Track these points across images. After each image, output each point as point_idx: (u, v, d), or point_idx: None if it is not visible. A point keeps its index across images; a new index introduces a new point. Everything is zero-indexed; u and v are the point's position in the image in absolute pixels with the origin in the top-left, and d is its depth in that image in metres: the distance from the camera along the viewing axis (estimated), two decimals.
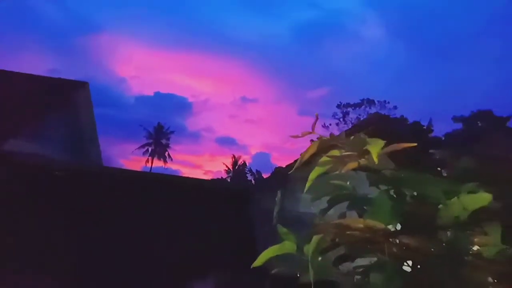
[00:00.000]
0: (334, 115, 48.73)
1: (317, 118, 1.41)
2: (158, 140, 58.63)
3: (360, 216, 1.35)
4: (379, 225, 1.13)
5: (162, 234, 5.87)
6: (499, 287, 1.13)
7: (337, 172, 1.35)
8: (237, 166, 58.91)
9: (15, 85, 11.67)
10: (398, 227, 1.25)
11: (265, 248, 1.34)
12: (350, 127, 39.68)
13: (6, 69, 12.80)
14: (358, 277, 1.31)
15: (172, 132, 60.11)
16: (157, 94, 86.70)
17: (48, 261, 5.35)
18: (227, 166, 59.06)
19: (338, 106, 49.03)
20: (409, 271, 1.19)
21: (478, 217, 1.12)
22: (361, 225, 1.14)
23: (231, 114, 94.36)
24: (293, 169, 1.51)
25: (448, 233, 1.16)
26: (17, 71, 12.90)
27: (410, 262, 1.19)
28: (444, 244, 1.14)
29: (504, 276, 1.09)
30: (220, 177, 55.79)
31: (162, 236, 5.84)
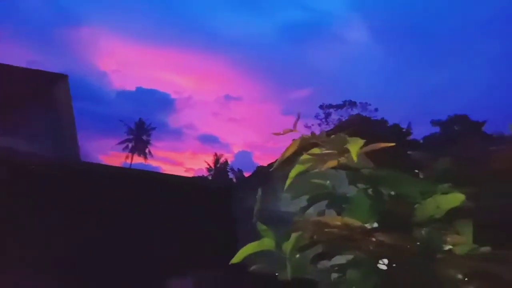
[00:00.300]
0: (316, 116, 49.28)
1: (298, 117, 1.43)
2: (139, 136, 57.83)
3: (339, 214, 1.37)
4: (357, 223, 1.16)
5: (140, 231, 5.79)
6: (470, 284, 1.16)
7: (317, 170, 1.36)
8: (219, 164, 58.78)
9: None
10: (376, 225, 1.27)
11: (245, 245, 1.34)
12: (332, 127, 40.18)
13: None
14: (336, 275, 1.33)
15: (153, 128, 59.45)
16: (139, 89, 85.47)
17: (24, 259, 5.21)
18: (208, 164, 58.87)
19: (321, 107, 49.59)
20: (385, 269, 1.21)
21: (452, 217, 1.15)
22: (339, 223, 1.16)
23: (214, 112, 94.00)
24: (274, 166, 1.52)
25: (423, 231, 1.19)
26: None
27: (386, 261, 1.22)
28: (418, 242, 1.17)
29: (474, 274, 1.13)
30: (201, 175, 55.55)
31: (140, 234, 5.77)
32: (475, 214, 1.20)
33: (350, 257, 1.26)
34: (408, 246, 1.14)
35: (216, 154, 60.07)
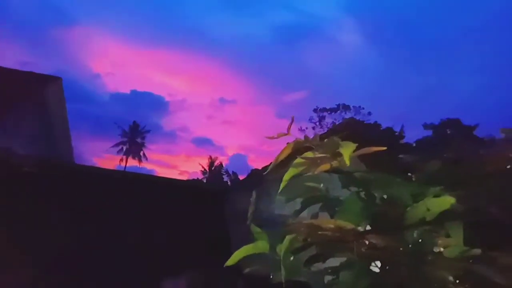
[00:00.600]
0: (310, 119, 49.47)
1: (292, 120, 1.44)
2: (133, 139, 57.56)
3: (332, 217, 1.39)
4: (349, 225, 1.17)
5: (136, 233, 5.77)
6: (460, 286, 1.19)
7: (310, 173, 1.38)
8: (213, 167, 58.63)
9: None
10: (368, 227, 1.29)
11: (240, 248, 1.36)
12: (325, 131, 40.35)
13: None
14: (329, 277, 1.34)
15: (147, 131, 59.19)
16: (133, 92, 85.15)
17: (16, 259, 5.17)
18: (203, 167, 58.70)
19: (315, 110, 49.81)
20: (377, 271, 1.23)
21: (442, 219, 1.18)
22: (332, 225, 1.18)
23: (208, 114, 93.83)
24: (268, 170, 1.54)
25: (415, 234, 1.21)
26: None
27: (379, 263, 1.24)
28: (409, 244, 1.19)
29: (465, 276, 1.15)
30: (196, 178, 55.37)
31: (136, 235, 5.75)
32: (466, 216, 1.23)
33: (343, 259, 1.28)
34: (400, 249, 1.16)
35: (210, 157, 59.96)
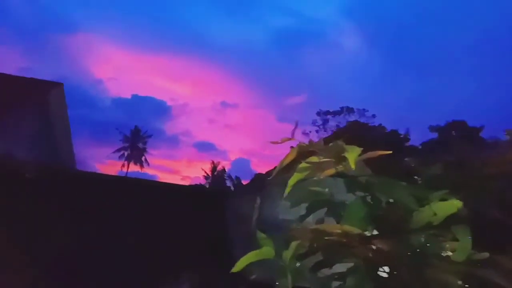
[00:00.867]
0: (313, 122, 49.29)
1: (296, 125, 1.44)
2: (135, 144, 57.59)
3: (338, 222, 1.38)
4: (355, 230, 1.16)
5: (139, 238, 5.77)
6: None
7: (315, 178, 1.37)
8: (216, 172, 58.53)
9: None
10: (374, 232, 1.28)
11: (244, 254, 1.35)
12: (329, 134, 40.25)
13: None
14: (336, 283, 1.33)
15: (149, 136, 59.20)
16: (135, 96, 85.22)
17: (15, 263, 5.18)
18: (205, 172, 58.59)
19: (318, 114, 49.66)
20: (385, 276, 1.22)
21: (449, 223, 1.17)
22: (338, 231, 1.17)
23: (210, 118, 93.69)
24: (273, 174, 1.53)
25: (421, 238, 1.20)
26: None
27: (387, 268, 1.22)
28: (416, 248, 1.18)
29: (471, 280, 1.14)
30: (198, 183, 55.27)
31: (139, 241, 5.74)
32: (472, 220, 1.22)
33: (350, 264, 1.26)
34: (408, 253, 1.15)
35: (213, 162, 59.81)
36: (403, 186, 1.29)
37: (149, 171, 59.49)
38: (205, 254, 5.71)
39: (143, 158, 57.85)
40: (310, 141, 1.37)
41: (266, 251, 1.30)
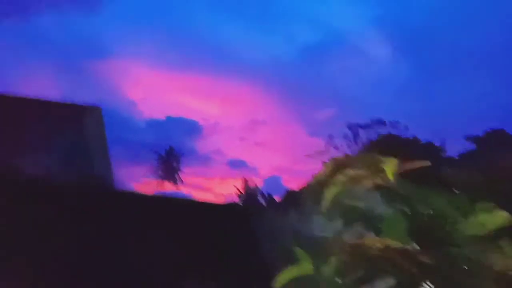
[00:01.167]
0: (344, 136, 48.51)
1: (329, 139, 1.44)
2: (169, 163, 58.95)
3: (377, 236, 1.35)
4: (397, 244, 1.13)
5: (177, 255, 5.84)
6: None
7: (351, 191, 1.36)
8: (248, 189, 58.53)
9: (29, 111, 12.00)
10: (415, 246, 1.24)
11: (280, 271, 1.34)
12: (361, 147, 39.41)
13: (18, 94, 13.03)
14: None
15: (182, 155, 60.45)
16: (168, 118, 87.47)
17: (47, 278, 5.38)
18: (238, 190, 58.68)
19: (349, 127, 48.86)
20: None
21: (498, 235, 1.11)
22: (379, 245, 1.14)
23: (240, 136, 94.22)
24: (307, 189, 1.53)
25: (467, 251, 1.15)
26: (29, 96, 13.19)
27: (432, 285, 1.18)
28: (462, 262, 1.13)
29: None
30: (231, 201, 55.31)
31: (177, 258, 5.82)
32: None
33: (391, 280, 1.23)
34: (456, 268, 1.10)
35: (245, 179, 59.91)
36: (444, 197, 1.25)
37: (183, 189, 60.43)
38: (243, 271, 5.69)
39: (177, 176, 59.03)
40: (346, 155, 1.36)
41: (305, 266, 1.29)
